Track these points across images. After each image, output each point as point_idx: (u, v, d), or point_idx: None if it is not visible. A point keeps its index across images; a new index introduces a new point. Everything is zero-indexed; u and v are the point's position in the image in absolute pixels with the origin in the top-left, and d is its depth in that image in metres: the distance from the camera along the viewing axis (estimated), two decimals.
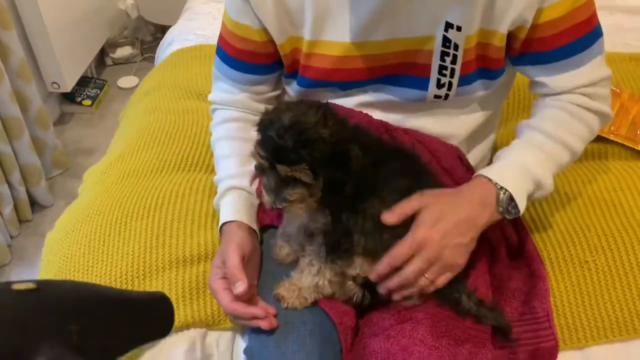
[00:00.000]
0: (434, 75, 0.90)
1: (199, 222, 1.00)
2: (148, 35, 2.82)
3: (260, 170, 0.79)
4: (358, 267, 0.84)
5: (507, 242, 0.95)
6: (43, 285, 0.52)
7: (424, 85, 0.91)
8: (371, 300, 0.86)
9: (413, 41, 0.88)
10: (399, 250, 0.79)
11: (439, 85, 0.90)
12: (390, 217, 0.80)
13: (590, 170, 1.08)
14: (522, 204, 0.84)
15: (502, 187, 0.83)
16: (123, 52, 2.74)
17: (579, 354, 0.90)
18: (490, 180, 0.84)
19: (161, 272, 0.94)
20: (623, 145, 1.13)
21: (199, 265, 0.95)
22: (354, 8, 0.86)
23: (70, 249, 0.99)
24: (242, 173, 0.94)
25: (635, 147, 1.11)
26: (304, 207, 0.77)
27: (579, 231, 0.97)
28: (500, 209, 0.83)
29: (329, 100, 0.95)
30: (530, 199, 0.86)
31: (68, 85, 2.25)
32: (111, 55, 2.72)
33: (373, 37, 0.88)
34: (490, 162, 0.97)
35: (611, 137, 1.13)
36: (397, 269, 0.80)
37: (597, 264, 0.93)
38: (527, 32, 0.85)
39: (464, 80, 0.90)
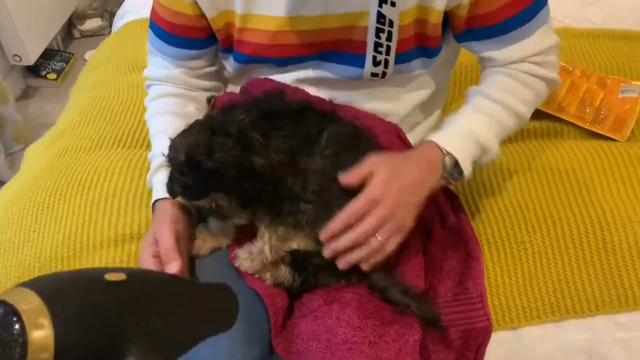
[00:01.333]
0: (369, 53, 0.87)
1: (134, 200, 0.98)
2: (118, 7, 2.75)
3: None
4: (299, 240, 0.82)
5: (444, 221, 0.94)
6: (132, 276, 0.51)
7: (360, 63, 0.89)
8: (301, 284, 0.84)
9: (347, 17, 0.85)
10: (355, 206, 0.77)
11: (375, 62, 0.88)
12: (348, 178, 0.78)
13: (535, 149, 1.06)
14: (467, 169, 0.84)
15: (447, 152, 0.83)
16: (91, 24, 2.67)
17: (512, 334, 0.90)
18: (436, 145, 0.83)
19: (92, 251, 0.92)
20: (572, 124, 1.11)
21: (132, 244, 0.94)
22: None
23: (1, 228, 0.96)
24: None
25: (583, 126, 1.10)
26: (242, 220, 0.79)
27: (517, 211, 0.96)
28: (445, 174, 0.83)
29: (267, 76, 0.94)
30: (477, 163, 0.87)
31: (31, 58, 2.19)
32: (79, 27, 2.66)
33: (306, 12, 0.85)
34: None
35: (561, 115, 1.11)
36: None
37: (533, 244, 0.92)
38: (467, 9, 0.83)
39: (402, 58, 0.88)
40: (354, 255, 0.78)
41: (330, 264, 0.82)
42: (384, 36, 0.86)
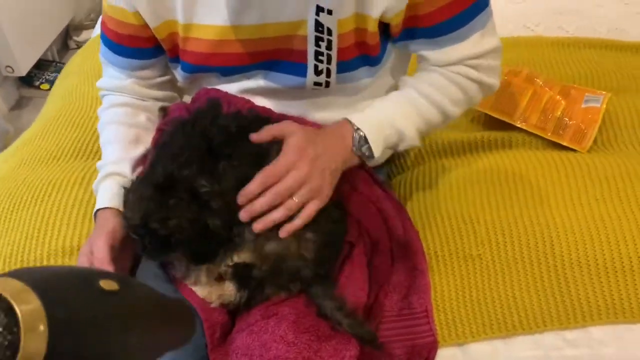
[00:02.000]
0: (310, 62, 0.87)
1: (85, 213, 0.98)
2: None
3: None
4: (227, 258, 0.82)
5: (392, 233, 0.92)
6: (123, 288, 0.49)
7: (302, 72, 0.88)
8: (246, 301, 0.83)
9: (286, 26, 0.85)
10: (272, 168, 0.77)
11: (317, 72, 0.88)
12: (258, 135, 0.79)
13: (491, 160, 1.04)
14: (376, 148, 0.85)
15: (358, 128, 0.84)
16: (88, 35, 2.70)
17: (459, 350, 0.88)
18: (349, 121, 0.85)
19: (39, 264, 0.93)
20: (533, 134, 1.09)
21: (77, 257, 0.93)
22: None
23: None
24: (124, 159, 0.92)
25: (544, 136, 1.07)
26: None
27: (468, 224, 0.94)
28: (354, 148, 0.84)
29: (213, 86, 0.94)
30: (394, 147, 0.89)
31: (22, 70, 2.23)
32: (75, 38, 2.70)
33: (246, 21, 0.85)
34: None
35: (522, 126, 1.09)
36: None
37: (482, 259, 0.90)
38: (403, 15, 0.83)
39: (344, 67, 0.88)
40: (272, 216, 0.77)
41: (271, 275, 0.81)
42: (323, 45, 0.85)
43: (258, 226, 0.77)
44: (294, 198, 0.77)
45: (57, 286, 0.45)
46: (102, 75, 1.01)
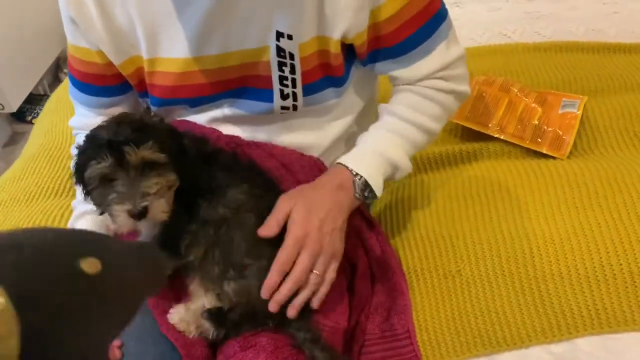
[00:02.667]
0: (276, 87, 0.87)
1: None
2: None
3: (102, 185, 0.73)
4: (207, 302, 0.81)
5: (370, 254, 0.91)
6: (107, 267, 0.43)
7: (269, 98, 0.88)
8: (224, 337, 0.83)
9: (248, 53, 0.85)
10: (284, 253, 0.77)
11: (283, 96, 0.87)
12: (267, 229, 0.78)
13: (469, 173, 1.03)
14: (378, 189, 0.85)
15: (357, 174, 0.84)
16: None
17: None
18: (346, 167, 0.85)
19: None
20: (512, 143, 1.08)
21: None
22: (181, 23, 0.83)
23: None
24: None
25: (523, 144, 1.06)
26: (166, 207, 0.74)
27: (447, 240, 0.93)
28: (357, 194, 0.84)
29: (183, 118, 0.94)
30: (390, 179, 0.88)
31: (13, 106, 2.25)
32: (66, 70, 2.72)
33: (208, 52, 0.85)
34: None
35: (499, 136, 1.08)
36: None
37: (462, 275, 0.89)
38: (365, 35, 0.82)
39: (310, 90, 0.87)
40: (300, 298, 0.78)
41: (246, 316, 0.81)
42: (287, 69, 0.85)
43: (290, 314, 0.78)
44: (314, 271, 0.78)
45: (30, 278, 0.38)
46: (74, 114, 1.01)
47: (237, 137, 0.92)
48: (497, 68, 1.25)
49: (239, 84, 0.88)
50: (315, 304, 0.79)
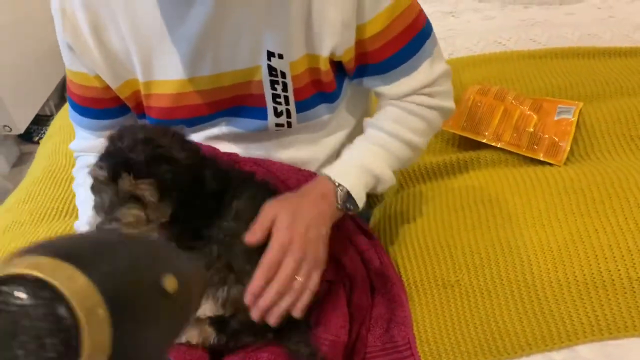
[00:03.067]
0: (269, 105, 0.88)
1: None
2: None
3: (96, 190, 0.75)
4: (208, 310, 0.82)
5: (368, 267, 0.92)
6: (181, 288, 0.41)
7: (263, 115, 0.90)
8: (226, 343, 0.84)
9: (240, 73, 0.86)
10: (268, 258, 0.77)
11: (277, 113, 0.89)
12: (253, 236, 0.78)
13: (466, 182, 1.04)
14: (359, 200, 0.85)
15: (339, 184, 0.84)
16: None
17: None
18: (329, 178, 0.85)
19: None
20: (508, 151, 1.08)
21: None
22: (173, 46, 0.85)
23: None
24: None
25: (519, 152, 1.07)
26: None
27: (445, 250, 0.93)
28: (339, 205, 0.84)
29: None
30: (372, 192, 0.88)
31: (20, 127, 2.28)
32: None
33: (201, 73, 0.87)
34: None
35: (496, 144, 1.09)
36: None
37: (460, 284, 0.89)
38: (353, 52, 0.84)
39: (303, 106, 0.89)
40: (282, 305, 0.77)
41: (247, 325, 0.81)
42: (279, 87, 0.86)
43: (272, 321, 0.77)
44: (297, 278, 0.77)
45: (123, 270, 0.37)
46: (75, 137, 1.03)
47: (235, 155, 0.94)
48: (493, 76, 1.26)
49: (233, 103, 0.90)
50: (297, 312, 0.77)
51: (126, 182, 0.70)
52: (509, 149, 1.08)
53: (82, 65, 0.90)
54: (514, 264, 0.89)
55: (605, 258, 0.86)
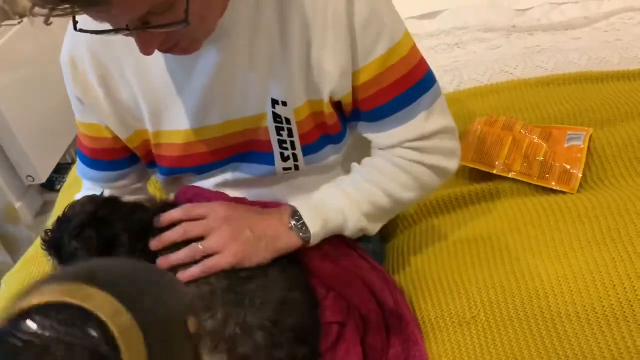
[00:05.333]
0: (276, 150, 0.89)
1: None
2: None
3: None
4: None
5: (382, 307, 0.91)
6: (199, 328, 0.43)
7: (270, 160, 0.91)
8: None
9: (247, 120, 0.88)
10: (193, 206, 0.86)
11: (284, 158, 0.90)
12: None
13: (478, 214, 1.03)
14: (313, 226, 0.85)
15: (295, 209, 0.86)
16: None
17: None
18: (289, 204, 0.88)
19: None
20: (520, 181, 1.07)
21: None
22: (182, 98, 0.87)
23: None
24: None
25: (531, 181, 1.05)
26: None
27: (459, 285, 0.92)
28: (291, 225, 0.85)
29: (192, 183, 0.97)
30: (341, 231, 0.88)
31: (42, 177, 2.33)
32: None
33: (209, 122, 0.88)
34: None
35: (507, 174, 1.08)
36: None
37: (476, 321, 0.87)
38: (351, 97, 0.85)
39: (309, 150, 0.90)
40: (174, 255, 0.82)
41: None
42: (284, 133, 0.88)
43: (161, 261, 0.81)
44: (199, 245, 0.82)
45: (156, 311, 0.38)
46: (81, 188, 1.05)
47: (243, 199, 0.94)
48: (500, 106, 1.26)
49: (241, 149, 0.91)
50: (180, 277, 0.80)
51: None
52: (520, 178, 1.07)
53: (93, 117, 0.93)
54: (530, 297, 0.87)
55: (624, 288, 0.83)
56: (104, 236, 0.81)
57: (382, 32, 0.80)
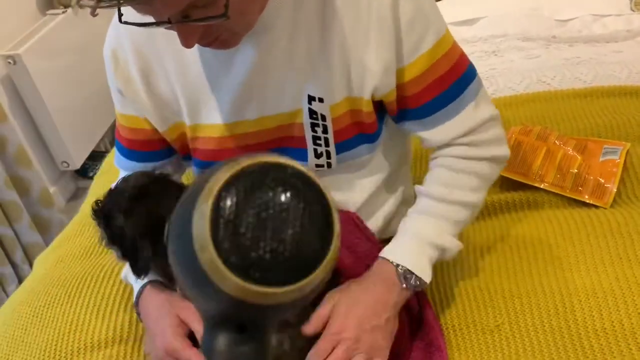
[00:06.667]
0: (310, 146, 0.90)
1: (113, 306, 1.03)
2: None
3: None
4: None
5: (409, 312, 0.91)
6: None
7: (303, 157, 0.91)
8: None
9: (283, 116, 0.88)
10: (320, 346, 0.79)
11: (317, 155, 0.90)
12: (311, 326, 0.80)
13: (507, 223, 1.02)
14: (424, 274, 0.84)
15: (398, 265, 0.84)
16: None
17: None
18: (387, 260, 0.85)
19: (75, 356, 0.97)
20: (552, 192, 1.06)
21: (112, 348, 0.97)
22: (219, 93, 0.88)
23: None
24: None
25: (563, 194, 1.04)
26: None
27: (485, 294, 0.91)
28: (404, 285, 0.83)
29: None
30: (440, 260, 0.87)
31: (77, 163, 2.39)
32: None
33: (246, 117, 0.89)
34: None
35: (539, 185, 1.07)
36: None
37: (500, 330, 0.87)
38: (394, 95, 0.85)
39: (343, 147, 0.90)
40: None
41: None
42: (319, 130, 0.88)
43: None
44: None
45: None
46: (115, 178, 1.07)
47: None
48: (536, 116, 1.24)
49: (275, 144, 0.92)
50: None
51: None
52: (552, 190, 1.05)
53: (132, 108, 0.95)
54: (557, 310, 0.86)
55: None
56: (152, 213, 0.81)
57: (427, 30, 0.81)
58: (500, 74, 1.40)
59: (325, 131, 0.88)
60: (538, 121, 1.23)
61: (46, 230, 2.16)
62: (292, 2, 0.81)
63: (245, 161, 0.38)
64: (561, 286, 0.89)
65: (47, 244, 2.12)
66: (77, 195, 2.56)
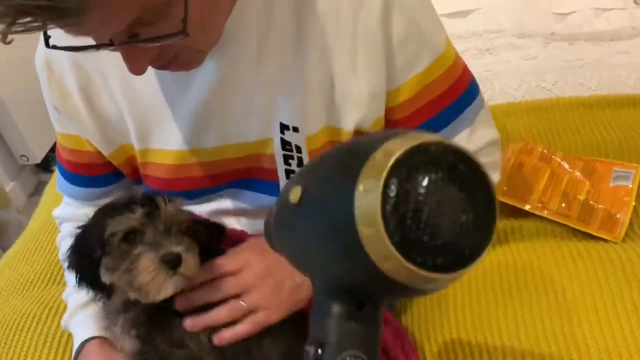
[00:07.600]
0: (282, 181, 0.78)
1: (57, 349, 0.90)
2: None
3: (124, 241, 0.67)
4: None
5: None
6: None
7: (275, 191, 0.79)
8: None
9: (248, 146, 0.76)
10: (223, 261, 0.71)
11: None
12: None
13: (508, 257, 0.90)
14: None
15: None
16: None
17: None
18: None
19: None
20: (555, 221, 0.95)
21: None
22: (174, 114, 0.75)
23: None
24: None
25: (570, 224, 0.93)
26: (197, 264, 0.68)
27: (482, 345, 0.80)
28: None
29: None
30: None
31: (37, 157, 2.24)
32: None
33: (204, 144, 0.76)
34: None
35: (542, 214, 0.95)
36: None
37: None
38: (384, 121, 0.74)
39: None
40: (213, 315, 0.69)
41: None
42: (294, 163, 0.75)
43: (193, 323, 0.68)
44: (240, 302, 0.69)
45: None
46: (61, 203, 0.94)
47: (242, 232, 0.83)
48: (536, 128, 1.12)
49: (242, 175, 0.80)
50: (224, 336, 0.68)
51: (163, 207, 0.69)
52: (556, 219, 0.94)
53: (72, 128, 0.81)
54: (561, 357, 0.75)
55: None
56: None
57: (423, 48, 0.70)
58: (496, 76, 1.27)
59: (300, 164, 0.75)
60: (539, 134, 1.11)
61: (4, 232, 2.00)
62: (262, 8, 0.67)
63: (423, 137, 0.35)
64: (567, 335, 0.77)
65: (3, 249, 1.97)
66: (39, 190, 2.40)
